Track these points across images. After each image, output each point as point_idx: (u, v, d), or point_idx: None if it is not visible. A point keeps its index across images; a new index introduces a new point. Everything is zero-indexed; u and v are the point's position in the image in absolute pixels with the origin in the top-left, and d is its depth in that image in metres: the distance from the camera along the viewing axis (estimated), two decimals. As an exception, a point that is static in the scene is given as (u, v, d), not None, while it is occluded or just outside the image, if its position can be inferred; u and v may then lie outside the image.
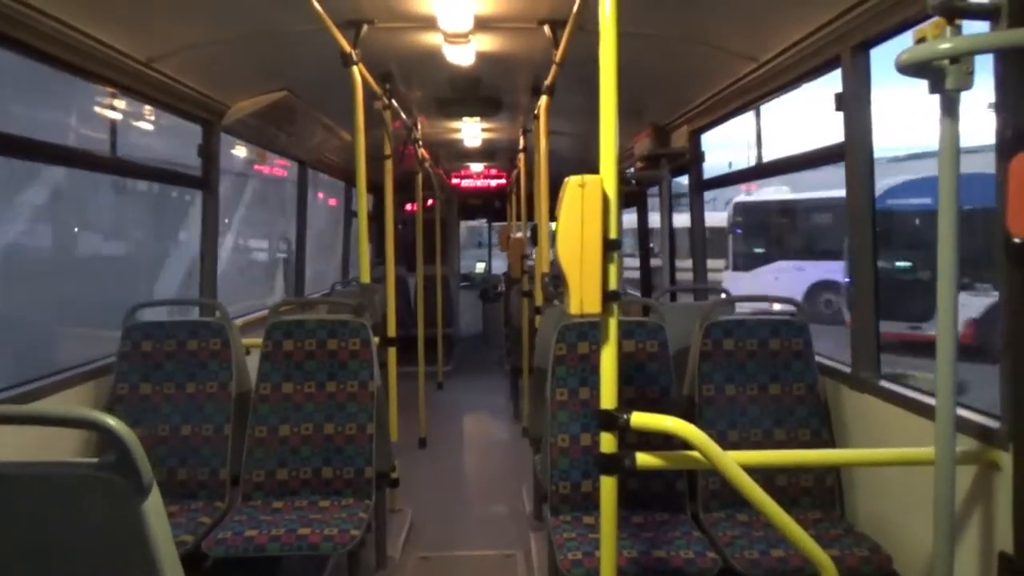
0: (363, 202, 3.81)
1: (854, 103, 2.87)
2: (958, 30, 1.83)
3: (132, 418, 3.26)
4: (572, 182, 1.90)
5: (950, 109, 1.87)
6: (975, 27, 1.87)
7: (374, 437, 3.30)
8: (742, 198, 17.10)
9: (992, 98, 1.98)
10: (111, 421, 1.24)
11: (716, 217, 20.53)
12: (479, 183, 10.77)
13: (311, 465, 3.26)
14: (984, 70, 1.91)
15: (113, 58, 3.18)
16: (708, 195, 5.10)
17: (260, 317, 4.83)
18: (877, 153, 2.91)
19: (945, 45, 1.78)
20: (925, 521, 2.05)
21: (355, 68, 3.56)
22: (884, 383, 2.81)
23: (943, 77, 1.83)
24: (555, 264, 1.98)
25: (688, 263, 5.30)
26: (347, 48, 3.45)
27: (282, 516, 2.99)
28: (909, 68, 1.84)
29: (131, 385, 3.33)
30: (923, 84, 1.90)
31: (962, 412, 2.20)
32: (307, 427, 3.30)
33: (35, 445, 2.64)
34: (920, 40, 1.96)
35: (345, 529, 2.86)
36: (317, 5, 2.95)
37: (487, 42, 3.85)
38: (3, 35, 2.58)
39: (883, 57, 2.83)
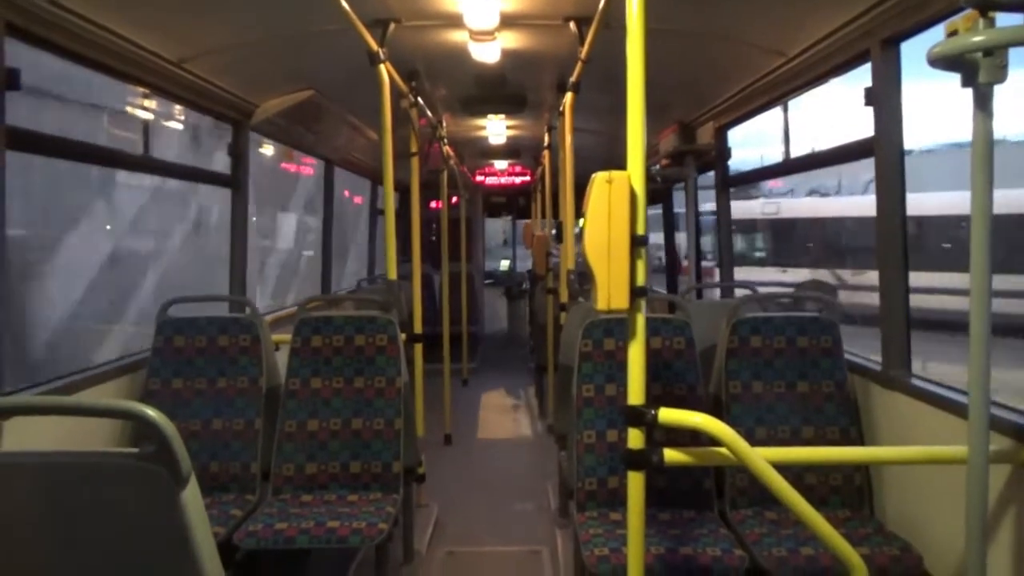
0: (390, 200, 3.84)
1: (884, 98, 2.84)
2: (991, 23, 1.80)
3: (165, 412, 3.31)
4: (599, 178, 1.90)
5: (983, 103, 1.84)
6: (1008, 20, 1.84)
7: (401, 432, 3.33)
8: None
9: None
10: (152, 412, 1.27)
11: (938, 201, 12.24)
12: (503, 181, 10.79)
13: (339, 460, 3.30)
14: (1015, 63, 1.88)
15: (146, 59, 3.24)
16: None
17: (289, 313, 4.90)
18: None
19: (978, 38, 1.75)
20: (957, 521, 2.03)
21: (382, 67, 3.59)
22: (915, 381, 2.78)
23: (976, 71, 1.80)
24: (580, 260, 1.99)
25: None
26: (374, 47, 3.48)
27: (311, 509, 3.03)
28: (941, 61, 1.81)
29: (163, 380, 3.39)
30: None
31: (996, 411, 2.17)
32: (335, 422, 3.34)
33: (66, 437, 2.70)
34: (952, 33, 1.93)
35: (373, 523, 2.89)
36: (345, 4, 2.98)
37: (512, 39, 3.86)
38: (40, 38, 2.65)
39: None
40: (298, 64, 4.13)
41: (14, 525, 1.30)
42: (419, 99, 4.59)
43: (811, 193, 19.47)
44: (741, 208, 16.68)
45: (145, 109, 3.99)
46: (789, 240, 18.10)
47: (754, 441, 3.00)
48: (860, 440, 3.06)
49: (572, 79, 3.88)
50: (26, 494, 1.30)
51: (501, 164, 10.20)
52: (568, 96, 4.05)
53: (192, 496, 1.28)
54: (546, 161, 6.91)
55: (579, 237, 1.96)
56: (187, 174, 5.06)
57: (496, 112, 5.89)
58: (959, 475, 2.00)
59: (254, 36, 3.49)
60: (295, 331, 3.44)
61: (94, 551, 1.31)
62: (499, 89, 4.98)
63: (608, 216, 1.88)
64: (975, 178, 1.87)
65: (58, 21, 2.67)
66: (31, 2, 2.51)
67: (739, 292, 4.62)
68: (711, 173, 5.03)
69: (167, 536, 1.27)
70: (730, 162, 4.88)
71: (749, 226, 18.20)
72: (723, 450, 2.02)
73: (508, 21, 3.51)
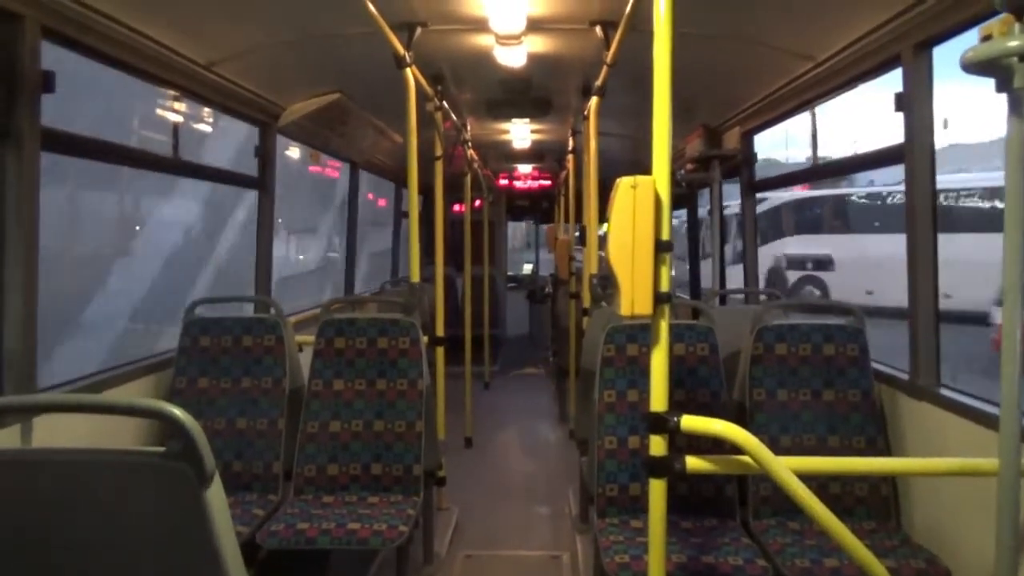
0: (414, 203, 3.86)
1: (915, 104, 2.80)
2: None
3: (190, 411, 3.33)
4: (624, 183, 1.89)
5: (1018, 109, 1.81)
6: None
7: (423, 435, 3.34)
8: None
9: None
10: (177, 411, 1.29)
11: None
12: (527, 184, 10.79)
13: (361, 461, 3.32)
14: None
15: (176, 62, 3.29)
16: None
17: (313, 315, 4.93)
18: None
19: (1014, 42, 1.71)
20: (986, 534, 1.99)
21: (408, 70, 3.61)
22: (944, 391, 2.73)
23: (1011, 76, 1.77)
24: (603, 265, 1.97)
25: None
26: (401, 50, 3.50)
27: (332, 511, 3.05)
28: (974, 67, 1.78)
29: (189, 379, 3.43)
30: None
31: None
32: (357, 424, 3.36)
33: (95, 434, 2.74)
34: (986, 37, 1.89)
35: (394, 525, 2.90)
36: (372, 8, 3.00)
37: (538, 43, 3.86)
38: (74, 41, 2.69)
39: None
40: (325, 67, 4.16)
41: (41, 521, 1.32)
42: (444, 102, 4.61)
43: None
44: None
45: (175, 111, 4.03)
46: None
47: (778, 449, 2.96)
48: (887, 450, 3.01)
49: (597, 83, 3.87)
50: (53, 490, 1.32)
51: (525, 168, 10.20)
52: (593, 100, 4.04)
53: (216, 495, 1.29)
54: (570, 165, 6.89)
55: (603, 242, 1.94)
56: (215, 176, 5.12)
57: (521, 116, 5.89)
58: (989, 488, 1.96)
59: (282, 39, 3.53)
60: (318, 332, 3.47)
61: (119, 548, 1.32)
62: (524, 93, 4.98)
63: (632, 221, 1.87)
64: (1010, 186, 1.84)
65: (92, 24, 2.72)
66: (66, 6, 2.56)
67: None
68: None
69: (191, 534, 1.28)
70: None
71: None
72: (746, 458, 2.00)
73: (534, 25, 3.51)
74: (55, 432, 2.48)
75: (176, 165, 4.01)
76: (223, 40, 3.39)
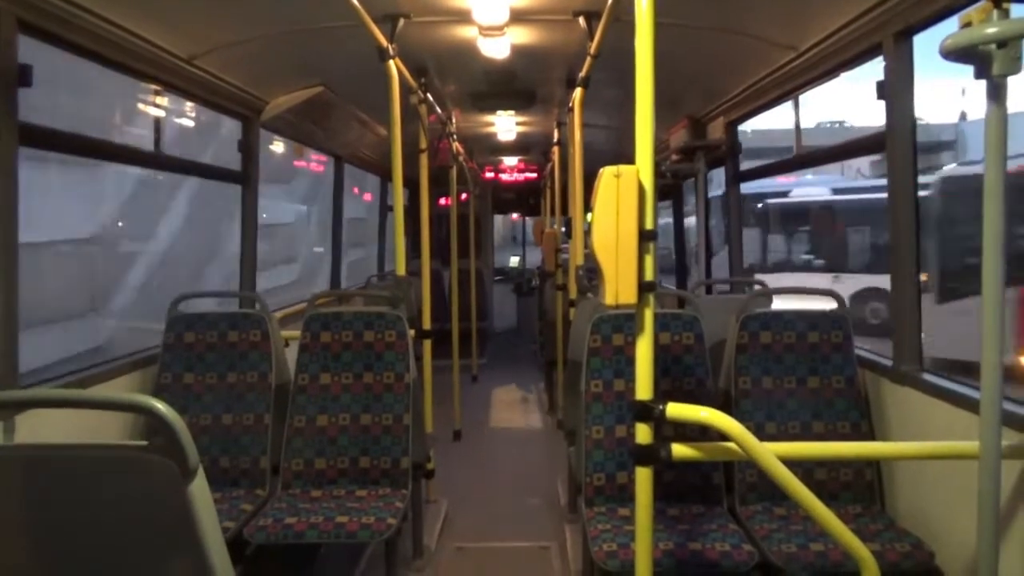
0: (399, 196, 3.85)
1: (897, 92, 2.82)
2: (1005, 14, 1.79)
3: (176, 407, 3.32)
4: (607, 172, 1.89)
5: (996, 95, 1.83)
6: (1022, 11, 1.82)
7: (410, 428, 3.34)
8: None
9: None
10: (159, 405, 1.28)
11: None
12: (513, 177, 10.79)
13: (348, 455, 3.31)
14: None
15: (157, 56, 3.25)
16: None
17: (299, 309, 4.91)
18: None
19: (992, 29, 1.74)
20: (969, 517, 2.02)
21: (391, 63, 3.59)
22: (926, 376, 2.76)
23: (990, 62, 1.79)
24: (589, 256, 1.97)
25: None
26: (383, 43, 3.48)
27: (320, 504, 3.04)
28: (954, 53, 1.80)
29: (175, 375, 3.41)
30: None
31: (1008, 406, 2.15)
32: (344, 417, 3.35)
33: (79, 431, 2.73)
34: (966, 25, 1.91)
35: (382, 518, 2.90)
36: (354, 0, 2.98)
37: (522, 35, 3.85)
38: (52, 34, 2.66)
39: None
40: (308, 60, 4.13)
41: (26, 516, 1.31)
42: (428, 95, 4.59)
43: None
44: None
45: (156, 106, 3.99)
46: None
47: (764, 436, 2.99)
48: (871, 435, 3.04)
49: (581, 74, 3.87)
50: (36, 485, 1.32)
51: (511, 160, 10.19)
52: (577, 91, 4.04)
53: (200, 489, 1.29)
54: (555, 157, 6.89)
55: (588, 232, 1.94)
56: (197, 170, 5.07)
57: (505, 108, 5.88)
58: (971, 471, 1.98)
59: (264, 32, 3.50)
60: (304, 327, 3.45)
61: (104, 542, 1.32)
62: (508, 85, 4.97)
63: (616, 211, 1.87)
64: (988, 171, 1.86)
65: (69, 18, 2.68)
66: None
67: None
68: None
69: (176, 528, 1.28)
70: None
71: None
72: (731, 445, 2.01)
73: (517, 16, 3.51)
74: (38, 429, 2.46)
75: (157, 160, 3.98)
76: (204, 34, 3.35)
